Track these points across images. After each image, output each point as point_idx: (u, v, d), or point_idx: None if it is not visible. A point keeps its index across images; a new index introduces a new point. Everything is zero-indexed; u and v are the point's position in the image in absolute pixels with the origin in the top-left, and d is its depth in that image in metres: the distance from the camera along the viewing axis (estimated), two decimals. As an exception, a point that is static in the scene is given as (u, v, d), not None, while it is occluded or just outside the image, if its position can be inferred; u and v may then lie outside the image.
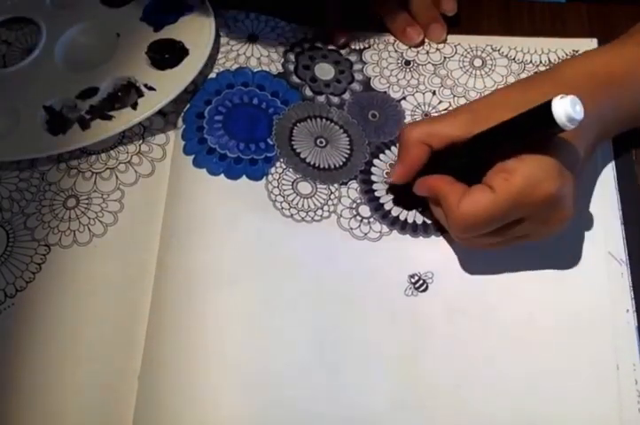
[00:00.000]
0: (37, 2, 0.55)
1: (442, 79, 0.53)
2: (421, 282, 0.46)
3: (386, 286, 0.46)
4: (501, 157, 0.40)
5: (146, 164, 0.49)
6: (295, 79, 0.52)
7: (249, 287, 0.44)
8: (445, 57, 0.54)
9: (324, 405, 0.42)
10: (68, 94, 0.50)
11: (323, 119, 0.51)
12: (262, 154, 0.48)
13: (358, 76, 0.53)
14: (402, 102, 0.52)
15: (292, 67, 0.52)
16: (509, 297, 0.46)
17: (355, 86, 0.53)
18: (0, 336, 0.44)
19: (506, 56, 0.54)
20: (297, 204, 0.47)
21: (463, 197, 0.40)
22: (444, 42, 0.55)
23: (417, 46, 0.54)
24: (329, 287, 0.45)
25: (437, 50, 0.54)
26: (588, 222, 0.47)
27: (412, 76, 0.54)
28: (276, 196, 0.47)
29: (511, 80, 0.53)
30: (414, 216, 0.48)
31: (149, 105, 0.48)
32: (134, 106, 0.48)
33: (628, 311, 0.45)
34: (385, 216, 0.48)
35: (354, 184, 0.49)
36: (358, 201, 0.48)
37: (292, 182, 0.48)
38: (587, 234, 0.47)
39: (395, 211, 0.48)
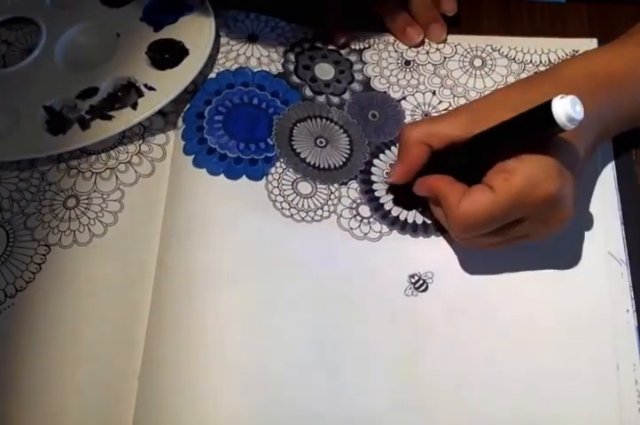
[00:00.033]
0: (37, 2, 0.55)
1: (442, 79, 0.53)
2: (421, 282, 0.46)
3: (386, 286, 0.46)
4: (501, 157, 0.40)
5: (146, 164, 0.49)
6: (295, 79, 0.52)
7: (249, 287, 0.44)
8: (445, 57, 0.54)
9: (324, 405, 0.42)
10: (68, 94, 0.50)
11: (323, 119, 0.51)
12: (262, 154, 0.48)
13: (358, 76, 0.53)
14: (402, 102, 0.52)
15: (292, 67, 0.52)
16: (509, 297, 0.46)
17: (355, 86, 0.53)
18: (0, 336, 0.44)
19: (506, 56, 0.54)
20: (297, 204, 0.47)
21: (463, 197, 0.40)
22: (444, 42, 0.55)
23: (417, 46, 0.54)
24: (329, 287, 0.45)
25: (437, 50, 0.54)
26: (588, 222, 0.47)
27: (412, 76, 0.54)
28: (276, 196, 0.47)
29: (511, 80, 0.53)
30: (414, 216, 0.48)
31: (149, 105, 0.48)
32: (134, 106, 0.48)
33: (628, 311, 0.45)
34: (385, 216, 0.48)
35: (354, 184, 0.49)
36: (358, 201, 0.48)
37: (292, 182, 0.48)
38: (587, 234, 0.47)
39: (395, 211, 0.48)
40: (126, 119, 0.48)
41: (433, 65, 0.54)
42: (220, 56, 0.51)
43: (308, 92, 0.52)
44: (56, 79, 0.51)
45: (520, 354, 0.44)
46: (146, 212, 0.47)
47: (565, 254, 0.47)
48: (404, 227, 0.48)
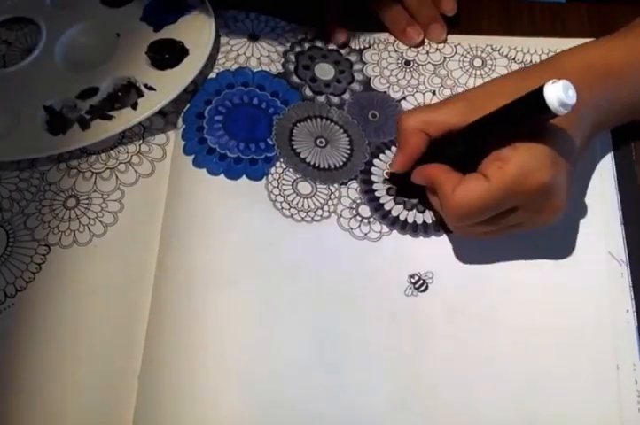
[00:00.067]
0: (37, 2, 0.55)
1: (442, 79, 0.53)
2: (421, 281, 0.46)
3: (386, 286, 0.46)
4: (496, 145, 0.40)
5: (146, 164, 0.49)
6: (295, 79, 0.52)
7: (249, 287, 0.44)
8: (445, 57, 0.54)
9: (324, 405, 0.42)
10: (68, 94, 0.50)
11: (324, 119, 0.51)
12: (262, 154, 0.48)
13: (358, 76, 0.53)
14: (402, 102, 0.52)
15: (292, 67, 0.52)
16: (509, 297, 0.46)
17: (355, 86, 0.53)
18: (0, 336, 0.44)
19: (506, 56, 0.54)
20: (297, 204, 0.47)
21: (457, 185, 0.40)
22: (444, 42, 0.55)
23: (417, 46, 0.54)
24: (329, 287, 0.45)
25: (437, 50, 0.54)
26: (588, 222, 0.47)
27: (412, 76, 0.54)
28: (276, 196, 0.47)
29: (511, 80, 0.53)
30: (414, 216, 0.48)
31: (149, 105, 0.48)
32: (134, 106, 0.48)
33: (628, 311, 0.45)
34: (385, 216, 0.48)
35: (354, 184, 0.49)
36: (358, 201, 0.48)
37: (292, 182, 0.48)
38: (587, 234, 0.47)
39: (395, 211, 0.48)
40: (126, 119, 0.48)
41: (433, 65, 0.54)
42: (220, 56, 0.51)
43: (308, 92, 0.52)
44: (56, 79, 0.51)
45: (520, 354, 0.44)
46: (146, 212, 0.47)
47: (565, 254, 0.47)
48: (404, 227, 0.48)
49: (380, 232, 0.48)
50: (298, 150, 0.49)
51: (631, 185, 0.49)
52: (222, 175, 0.47)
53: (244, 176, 0.47)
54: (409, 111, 0.45)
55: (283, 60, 0.52)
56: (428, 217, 0.48)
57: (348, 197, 0.48)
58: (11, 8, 0.55)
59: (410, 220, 0.48)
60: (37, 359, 0.43)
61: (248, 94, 0.50)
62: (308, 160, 0.49)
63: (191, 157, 0.48)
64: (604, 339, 0.44)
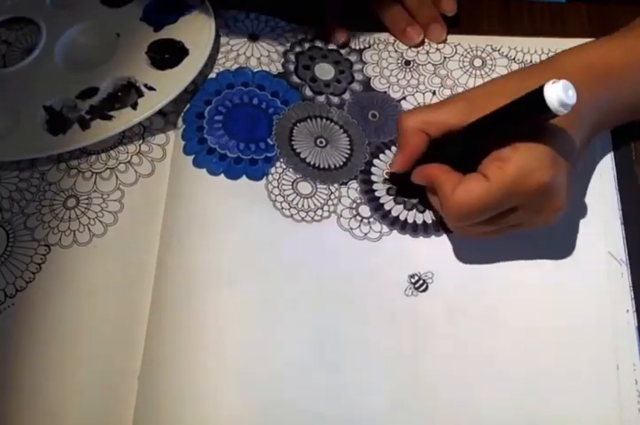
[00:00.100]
0: (37, 2, 0.55)
1: (442, 79, 0.53)
2: (421, 281, 0.46)
3: (386, 286, 0.46)
4: (496, 145, 0.40)
5: (146, 164, 0.49)
6: (295, 79, 0.52)
7: (249, 287, 0.44)
8: (445, 57, 0.54)
9: (324, 405, 0.42)
10: (68, 94, 0.50)
11: (324, 119, 0.51)
12: (262, 154, 0.48)
13: (358, 76, 0.53)
14: (402, 102, 0.52)
15: (292, 67, 0.52)
16: (509, 297, 0.46)
17: (355, 86, 0.53)
18: (0, 336, 0.44)
19: (506, 56, 0.54)
20: (297, 204, 0.47)
21: (457, 185, 0.40)
22: (444, 42, 0.55)
23: (417, 46, 0.54)
24: (329, 287, 0.45)
25: (437, 50, 0.54)
26: (588, 222, 0.47)
27: (412, 76, 0.54)
28: (276, 196, 0.47)
29: (511, 80, 0.53)
30: (414, 216, 0.48)
31: (149, 105, 0.48)
32: (134, 106, 0.48)
33: (628, 311, 0.45)
34: (385, 216, 0.48)
35: (354, 184, 0.49)
36: (358, 201, 0.48)
37: (292, 182, 0.48)
38: (587, 234, 0.47)
39: (395, 211, 0.48)
40: (126, 119, 0.48)
41: (433, 65, 0.54)
42: (220, 56, 0.51)
43: (308, 92, 0.52)
44: (56, 79, 0.51)
45: (520, 354, 0.44)
46: (146, 212, 0.47)
47: (565, 254, 0.47)
48: (404, 227, 0.48)
49: (380, 232, 0.48)
50: (298, 150, 0.49)
51: (631, 185, 0.49)
52: (222, 175, 0.47)
53: (244, 176, 0.47)
54: (409, 111, 0.45)
55: (283, 60, 0.52)
56: (428, 217, 0.48)
57: (348, 196, 0.48)
58: (11, 8, 0.55)
59: (410, 220, 0.48)
60: (37, 359, 0.43)
61: (248, 94, 0.50)
62: (308, 160, 0.49)
63: (191, 157, 0.48)
64: (604, 339, 0.44)
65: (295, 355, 0.43)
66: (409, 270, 0.46)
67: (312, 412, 0.42)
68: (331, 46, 0.54)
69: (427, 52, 0.54)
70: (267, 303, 0.44)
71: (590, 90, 0.41)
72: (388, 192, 0.49)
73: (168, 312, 0.43)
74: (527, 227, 0.43)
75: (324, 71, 0.53)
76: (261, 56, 0.52)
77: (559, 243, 0.47)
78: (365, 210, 0.48)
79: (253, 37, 0.53)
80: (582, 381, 0.43)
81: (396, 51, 0.54)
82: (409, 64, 0.54)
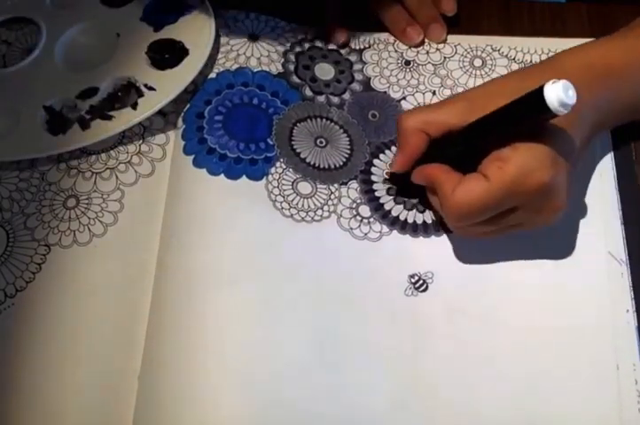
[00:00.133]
0: (37, 2, 0.55)
1: (442, 79, 0.53)
2: (421, 281, 0.46)
3: (386, 286, 0.46)
4: (496, 145, 0.40)
5: (146, 164, 0.49)
6: (295, 79, 0.52)
7: (249, 287, 0.44)
8: (445, 57, 0.54)
9: (324, 405, 0.42)
10: (68, 94, 0.50)
11: (324, 119, 0.51)
12: (262, 154, 0.48)
13: (358, 76, 0.53)
14: (402, 102, 0.52)
15: (292, 67, 0.52)
16: (509, 297, 0.46)
17: (355, 86, 0.53)
18: (0, 336, 0.44)
19: (506, 56, 0.54)
20: (297, 204, 0.47)
21: (457, 185, 0.40)
22: (444, 42, 0.55)
23: (417, 46, 0.54)
24: (329, 287, 0.45)
25: (437, 50, 0.54)
26: (588, 222, 0.47)
27: (412, 76, 0.54)
28: (276, 196, 0.47)
29: (511, 80, 0.53)
30: (414, 216, 0.48)
31: (149, 105, 0.48)
32: (134, 106, 0.48)
33: (628, 311, 0.45)
34: (385, 216, 0.48)
35: (354, 184, 0.49)
36: (358, 201, 0.48)
37: (292, 182, 0.48)
38: (587, 234, 0.47)
39: (395, 211, 0.48)
40: (126, 119, 0.48)
41: (433, 65, 0.54)
42: (220, 56, 0.51)
43: (308, 92, 0.52)
44: (56, 79, 0.51)
45: (520, 354, 0.44)
46: (146, 212, 0.47)
47: (565, 254, 0.47)
48: (404, 227, 0.48)
49: (380, 232, 0.48)
50: (298, 150, 0.49)
51: (631, 185, 0.49)
52: (222, 175, 0.47)
53: (244, 176, 0.47)
54: (409, 111, 0.45)
55: (283, 60, 0.52)
56: (428, 217, 0.48)
57: (348, 196, 0.48)
58: (11, 8, 0.55)
59: (410, 220, 0.48)
60: (37, 359, 0.43)
61: (248, 94, 0.50)
62: (308, 160, 0.49)
63: (191, 157, 0.48)
64: (604, 339, 0.44)
65: (295, 355, 0.43)
66: (409, 270, 0.46)
67: (312, 412, 0.42)
68: (331, 46, 0.54)
69: (427, 52, 0.54)
70: (267, 303, 0.44)
71: (590, 90, 0.41)
72: (388, 192, 0.49)
73: (168, 312, 0.43)
74: (527, 228, 0.43)
75: (324, 71, 0.53)
76: (261, 56, 0.52)
77: (559, 243, 0.47)
78: (365, 210, 0.48)
79: (253, 37, 0.53)
80: (582, 381, 0.43)
81: (396, 51, 0.55)
82: (409, 64, 0.54)
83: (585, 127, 0.42)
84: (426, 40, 0.55)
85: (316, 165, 0.49)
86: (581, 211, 0.48)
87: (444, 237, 0.47)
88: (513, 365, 0.44)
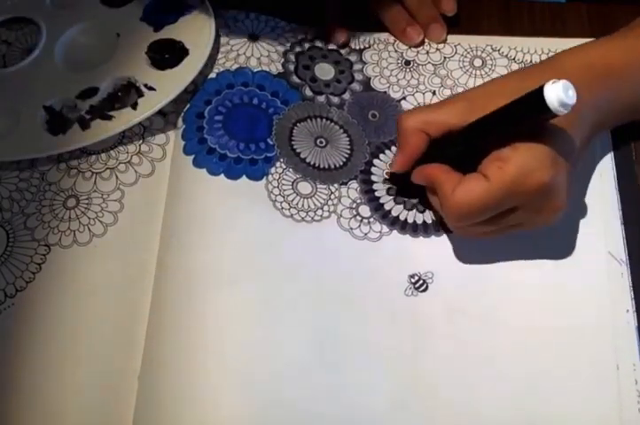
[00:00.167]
0: (37, 2, 0.55)
1: (442, 79, 0.53)
2: (421, 281, 0.46)
3: (386, 286, 0.46)
4: (496, 145, 0.40)
5: (146, 164, 0.49)
6: (295, 79, 0.52)
7: (249, 287, 0.44)
8: (445, 57, 0.54)
9: (324, 405, 0.42)
10: (68, 94, 0.50)
11: (324, 119, 0.51)
12: (262, 154, 0.48)
13: (358, 76, 0.53)
14: (402, 102, 0.52)
15: (292, 67, 0.52)
16: (509, 297, 0.46)
17: (355, 86, 0.53)
18: (0, 336, 0.44)
19: (506, 56, 0.54)
20: (297, 204, 0.47)
21: (457, 185, 0.40)
22: (444, 42, 0.55)
23: (417, 46, 0.54)
24: (329, 287, 0.45)
25: (437, 50, 0.54)
26: (588, 222, 0.47)
27: (412, 76, 0.54)
28: (276, 196, 0.47)
29: (511, 80, 0.53)
30: (414, 216, 0.48)
31: (149, 105, 0.48)
32: (134, 106, 0.48)
33: (628, 311, 0.45)
34: (385, 216, 0.48)
35: (354, 184, 0.49)
36: (358, 201, 0.48)
37: (292, 182, 0.48)
38: (587, 234, 0.47)
39: (395, 211, 0.48)
40: (126, 119, 0.48)
41: (433, 65, 0.54)
42: (220, 56, 0.51)
43: (308, 92, 0.52)
44: (56, 79, 0.51)
45: (520, 354, 0.44)
46: (146, 212, 0.47)
47: (565, 254, 0.47)
48: (404, 227, 0.48)
49: (380, 232, 0.48)
50: (298, 150, 0.49)
51: (631, 185, 0.49)
52: (222, 175, 0.47)
53: (244, 176, 0.47)
54: (409, 111, 0.45)
55: (283, 60, 0.52)
56: (428, 217, 0.48)
57: (348, 196, 0.48)
58: (11, 8, 0.55)
59: (410, 220, 0.48)
60: (37, 359, 0.43)
61: (248, 94, 0.50)
62: (308, 160, 0.49)
63: (191, 157, 0.48)
64: (604, 339, 0.44)
65: (295, 355, 0.43)
66: (409, 270, 0.46)
67: (312, 412, 0.42)
68: (331, 46, 0.54)
69: (427, 52, 0.54)
70: (267, 303, 0.44)
71: (590, 90, 0.41)
72: (388, 192, 0.49)
73: (168, 312, 0.43)
74: (527, 228, 0.43)
75: (324, 71, 0.53)
76: (261, 56, 0.52)
77: (559, 243, 0.47)
78: (365, 210, 0.48)
79: (253, 37, 0.53)
80: (582, 381, 0.43)
81: (396, 51, 0.54)
82: (409, 64, 0.54)
83: (585, 127, 0.42)
84: (426, 40, 0.55)
85: (316, 165, 0.49)
86: (581, 211, 0.48)
87: (444, 237, 0.47)
88: (513, 365, 0.44)
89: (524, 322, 0.45)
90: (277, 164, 0.48)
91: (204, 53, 0.49)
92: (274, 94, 0.51)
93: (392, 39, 0.55)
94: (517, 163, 0.39)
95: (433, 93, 0.53)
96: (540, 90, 0.35)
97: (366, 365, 0.43)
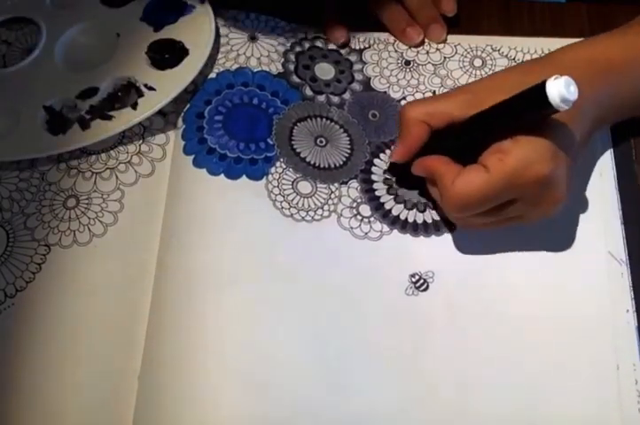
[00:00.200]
0: (37, 2, 0.55)
1: (442, 79, 0.53)
2: (422, 281, 0.46)
3: (387, 285, 0.46)
4: (497, 138, 0.40)
5: (146, 164, 0.49)
6: (295, 79, 0.52)
7: (249, 287, 0.44)
8: (445, 57, 0.54)
9: (324, 405, 0.42)
10: (68, 94, 0.50)
11: (324, 119, 0.51)
12: (262, 154, 0.48)
13: (358, 76, 0.53)
14: (402, 102, 0.52)
15: (292, 67, 0.52)
16: (509, 297, 0.46)
17: (355, 86, 0.53)
18: (0, 336, 0.44)
19: (506, 56, 0.54)
20: (297, 203, 0.47)
21: (457, 176, 0.40)
22: (444, 42, 0.55)
23: (417, 46, 0.54)
24: (329, 287, 0.45)
25: (437, 50, 0.54)
26: (588, 222, 0.47)
27: (412, 76, 0.54)
28: (276, 195, 0.47)
29: (511, 80, 0.53)
30: (414, 215, 0.48)
31: (149, 105, 0.48)
32: (134, 106, 0.48)
33: (628, 311, 0.45)
34: (385, 215, 0.48)
35: (354, 183, 0.49)
36: (358, 200, 0.48)
37: (293, 182, 0.48)
38: (587, 233, 0.47)
39: (396, 210, 0.48)
40: (126, 119, 0.48)
41: (433, 65, 0.54)
42: (220, 56, 0.51)
43: (309, 92, 0.52)
44: (56, 79, 0.51)
45: (520, 354, 0.44)
46: (146, 212, 0.47)
47: (565, 254, 0.47)
48: (405, 226, 0.48)
49: (381, 231, 0.48)
50: (298, 150, 0.49)
51: (631, 185, 0.49)
52: (222, 175, 0.47)
53: (244, 176, 0.47)
54: (412, 102, 0.46)
55: (283, 60, 0.52)
56: (429, 216, 0.48)
57: (349, 196, 0.48)
58: (11, 8, 0.55)
59: (411, 220, 0.48)
60: (37, 359, 0.43)
61: (248, 94, 0.50)
62: (308, 160, 0.49)
63: (191, 157, 0.48)
64: (604, 339, 0.44)
65: (295, 355, 0.43)
66: (410, 269, 0.46)
67: (312, 412, 0.42)
68: (331, 46, 0.54)
69: (427, 52, 0.54)
70: (267, 303, 0.44)
71: (591, 85, 0.41)
72: (389, 191, 0.49)
73: (168, 312, 0.43)
74: (527, 220, 0.43)
75: (324, 71, 0.53)
76: (261, 56, 0.52)
77: (559, 244, 0.47)
78: (365, 209, 0.48)
79: (253, 37, 0.53)
80: (582, 381, 0.43)
81: (396, 51, 0.55)
82: (409, 64, 0.54)
83: (586, 122, 0.42)
84: (426, 40, 0.55)
85: (316, 164, 0.49)
86: (581, 210, 0.48)
87: (445, 237, 0.47)
88: (513, 365, 0.44)
89: (524, 323, 0.45)
90: (277, 163, 0.48)
91: (204, 53, 0.49)
92: (274, 94, 0.51)
93: (392, 39, 0.55)
94: (517, 155, 0.39)
95: (433, 93, 0.53)
96: (542, 86, 0.35)
97: (366, 365, 0.43)
